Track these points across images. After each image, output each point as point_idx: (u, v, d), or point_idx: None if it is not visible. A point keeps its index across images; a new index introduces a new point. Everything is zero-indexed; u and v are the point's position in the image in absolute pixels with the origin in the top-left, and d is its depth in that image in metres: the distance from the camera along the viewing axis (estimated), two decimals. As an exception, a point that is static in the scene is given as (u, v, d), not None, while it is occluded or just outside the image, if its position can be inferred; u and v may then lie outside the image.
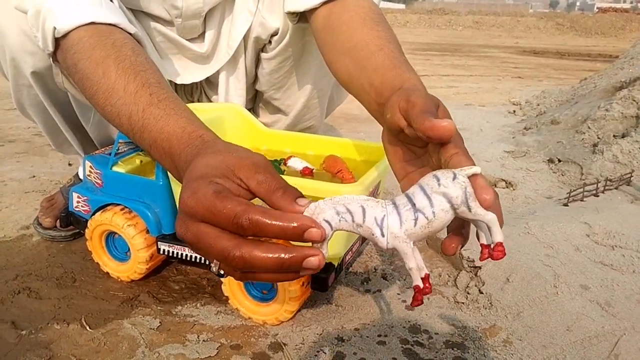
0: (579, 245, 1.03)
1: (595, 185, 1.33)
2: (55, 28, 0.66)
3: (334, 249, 0.79)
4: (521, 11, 21.90)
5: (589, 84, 2.41)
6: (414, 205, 0.41)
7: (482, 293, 0.90)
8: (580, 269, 0.94)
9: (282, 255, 0.40)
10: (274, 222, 0.40)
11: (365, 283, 0.94)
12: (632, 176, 1.40)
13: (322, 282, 0.78)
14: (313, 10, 0.84)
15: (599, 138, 1.69)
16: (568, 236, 1.06)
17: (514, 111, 2.47)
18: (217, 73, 1.07)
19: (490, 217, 0.42)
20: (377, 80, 0.64)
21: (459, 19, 16.43)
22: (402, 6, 27.81)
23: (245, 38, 1.03)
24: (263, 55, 1.05)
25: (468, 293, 0.91)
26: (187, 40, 1.02)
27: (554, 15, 19.11)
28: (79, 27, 0.66)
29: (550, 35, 12.93)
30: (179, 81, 1.04)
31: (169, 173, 0.81)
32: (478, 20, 16.36)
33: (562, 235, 1.07)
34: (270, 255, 0.40)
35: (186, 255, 0.86)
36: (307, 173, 0.89)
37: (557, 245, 1.02)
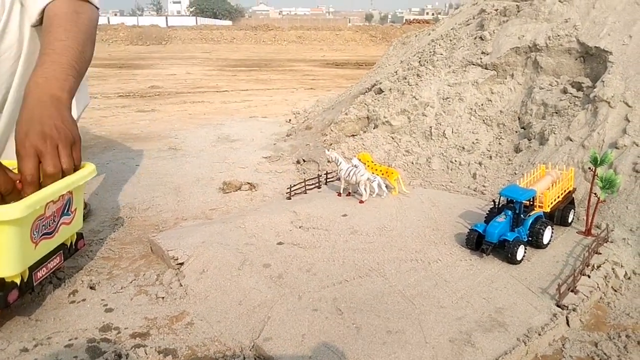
0: (280, 231, 1.20)
1: (317, 179, 1.55)
2: None
3: (9, 268, 0.83)
4: (339, 25, 23.54)
5: (348, 91, 2.74)
6: None
7: (181, 286, 1.02)
8: (270, 250, 1.11)
9: None
10: None
11: (72, 295, 0.99)
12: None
13: (1, 300, 0.83)
14: None
15: (338, 138, 1.95)
16: (275, 224, 1.23)
17: (290, 120, 2.70)
18: None
19: None
20: None
21: (283, 34, 17.12)
22: (229, 23, 28.16)
23: None
24: None
25: (170, 288, 1.02)
26: None
27: (368, 28, 20.91)
28: None
29: (365, 46, 14.12)
30: None
31: None
32: (301, 35, 17.23)
33: (269, 224, 1.23)
34: None
35: None
36: None
37: (260, 234, 1.18)
